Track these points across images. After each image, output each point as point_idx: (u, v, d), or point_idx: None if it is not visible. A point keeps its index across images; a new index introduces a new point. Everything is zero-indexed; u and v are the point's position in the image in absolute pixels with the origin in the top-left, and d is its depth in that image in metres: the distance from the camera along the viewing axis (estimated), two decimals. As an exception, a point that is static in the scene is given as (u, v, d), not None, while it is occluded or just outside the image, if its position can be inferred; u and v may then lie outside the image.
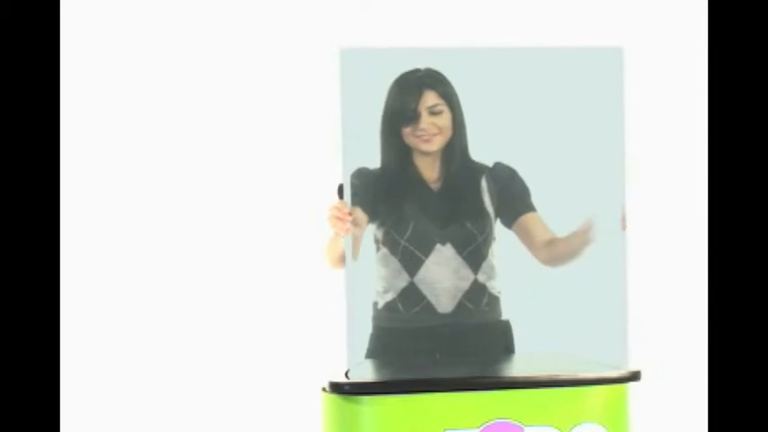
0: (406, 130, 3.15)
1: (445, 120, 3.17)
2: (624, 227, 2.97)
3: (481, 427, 2.74)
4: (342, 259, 2.94)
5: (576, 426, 2.77)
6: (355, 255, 3.00)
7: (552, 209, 3.19)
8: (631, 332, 2.92)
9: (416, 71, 3.15)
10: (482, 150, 3.22)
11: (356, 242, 3.01)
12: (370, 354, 3.18)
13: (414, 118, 3.13)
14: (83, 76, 4.72)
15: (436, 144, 3.16)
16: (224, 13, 4.78)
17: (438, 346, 3.15)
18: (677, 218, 4.81)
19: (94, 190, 4.76)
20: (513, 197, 3.20)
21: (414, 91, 3.14)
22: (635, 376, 2.84)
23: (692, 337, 4.68)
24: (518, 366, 3.08)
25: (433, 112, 3.15)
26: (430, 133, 3.15)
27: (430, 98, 3.15)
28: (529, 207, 3.20)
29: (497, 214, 3.21)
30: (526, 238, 3.19)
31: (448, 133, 3.17)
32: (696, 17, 4.68)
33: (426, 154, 3.18)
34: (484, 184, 3.21)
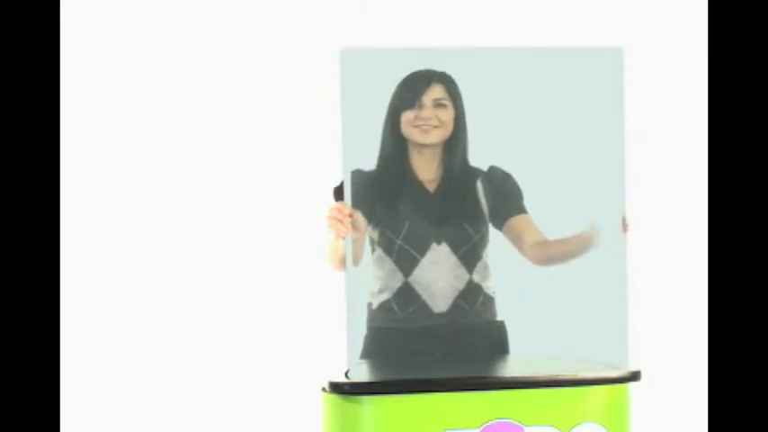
0: (408, 118, 3.15)
1: (448, 115, 3.17)
2: (625, 230, 2.96)
3: (481, 427, 2.75)
4: (344, 261, 2.94)
5: (576, 426, 2.78)
6: (357, 260, 3.00)
7: (551, 209, 3.19)
8: (631, 332, 2.92)
9: (429, 69, 3.16)
10: (481, 150, 3.22)
11: (357, 246, 3.00)
12: (365, 354, 3.18)
13: (418, 105, 3.13)
14: (83, 76, 4.72)
15: (434, 137, 3.16)
16: (224, 13, 4.78)
17: (433, 346, 3.15)
18: (677, 217, 4.81)
19: (94, 190, 4.76)
20: (504, 199, 3.20)
21: (422, 81, 3.15)
22: (635, 376, 2.84)
23: (692, 337, 4.68)
24: (518, 366, 3.08)
25: (438, 105, 3.15)
26: (431, 124, 3.15)
27: (437, 91, 3.16)
28: (519, 209, 3.20)
29: (489, 216, 3.21)
30: (515, 239, 3.19)
31: (447, 130, 3.17)
32: (696, 17, 4.69)
33: (422, 147, 3.18)
34: (479, 186, 3.21)
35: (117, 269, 4.77)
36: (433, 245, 3.16)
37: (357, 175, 3.02)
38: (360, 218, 2.99)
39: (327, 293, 3.34)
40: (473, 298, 3.18)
